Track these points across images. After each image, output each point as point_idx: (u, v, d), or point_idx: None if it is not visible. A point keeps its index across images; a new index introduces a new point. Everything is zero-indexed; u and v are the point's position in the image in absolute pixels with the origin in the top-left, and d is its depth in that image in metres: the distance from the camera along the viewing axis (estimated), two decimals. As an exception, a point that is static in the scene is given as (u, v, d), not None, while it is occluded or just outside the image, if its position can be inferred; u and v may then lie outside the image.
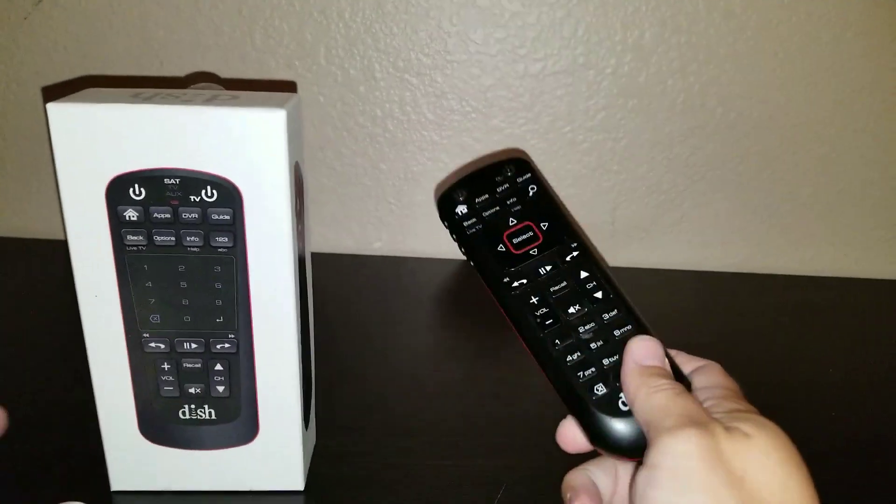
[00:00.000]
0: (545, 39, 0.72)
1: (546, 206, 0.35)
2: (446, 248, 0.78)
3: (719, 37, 0.71)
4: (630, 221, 0.78)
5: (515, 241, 0.35)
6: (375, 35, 0.71)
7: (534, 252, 0.34)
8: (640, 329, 0.32)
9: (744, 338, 0.65)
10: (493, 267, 0.34)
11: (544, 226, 0.35)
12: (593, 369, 0.31)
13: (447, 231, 0.36)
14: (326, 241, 0.79)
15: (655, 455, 0.27)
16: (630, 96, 0.73)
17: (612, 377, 0.31)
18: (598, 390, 0.31)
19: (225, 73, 0.73)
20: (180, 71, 0.73)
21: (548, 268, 0.34)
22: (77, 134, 0.36)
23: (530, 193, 0.36)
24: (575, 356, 0.32)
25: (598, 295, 0.33)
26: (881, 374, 0.60)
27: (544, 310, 0.33)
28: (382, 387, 0.55)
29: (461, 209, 0.35)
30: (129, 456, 0.42)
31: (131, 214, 0.37)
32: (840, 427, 0.52)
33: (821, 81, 0.72)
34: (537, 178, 0.36)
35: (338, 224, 0.79)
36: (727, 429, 0.27)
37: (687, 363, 0.33)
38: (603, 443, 0.31)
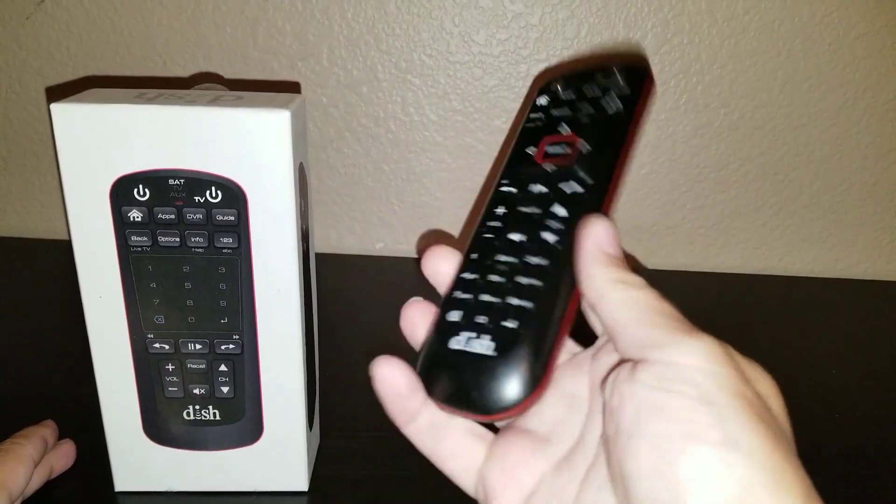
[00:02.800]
0: (548, 40, 0.72)
1: (609, 131, 0.29)
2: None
3: (722, 38, 0.71)
4: (632, 222, 0.78)
5: (550, 149, 0.30)
6: (378, 36, 0.71)
7: (550, 167, 0.29)
8: (552, 295, 0.27)
9: (746, 338, 0.64)
10: (507, 166, 0.31)
11: (585, 149, 0.29)
12: (469, 296, 0.28)
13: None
14: (329, 241, 0.79)
15: (668, 355, 0.22)
16: (633, 97, 0.73)
17: (491, 321, 0.27)
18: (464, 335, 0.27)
19: (228, 74, 0.73)
20: (183, 71, 0.73)
21: (542, 188, 0.29)
22: (81, 134, 0.36)
23: (610, 110, 0.30)
24: (471, 276, 0.28)
25: (548, 237, 0.28)
26: (884, 375, 0.60)
27: (496, 223, 0.29)
28: (385, 387, 0.55)
29: (541, 100, 0.32)
30: (133, 456, 0.42)
31: (135, 215, 0.37)
32: (843, 428, 0.52)
33: (823, 83, 0.72)
34: (632, 99, 0.30)
35: (340, 224, 0.79)
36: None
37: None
38: (449, 395, 0.26)
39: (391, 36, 0.71)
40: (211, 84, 0.53)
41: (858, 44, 0.71)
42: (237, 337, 0.39)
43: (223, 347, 0.40)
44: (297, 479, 0.43)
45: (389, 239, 0.79)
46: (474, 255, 0.29)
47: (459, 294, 0.28)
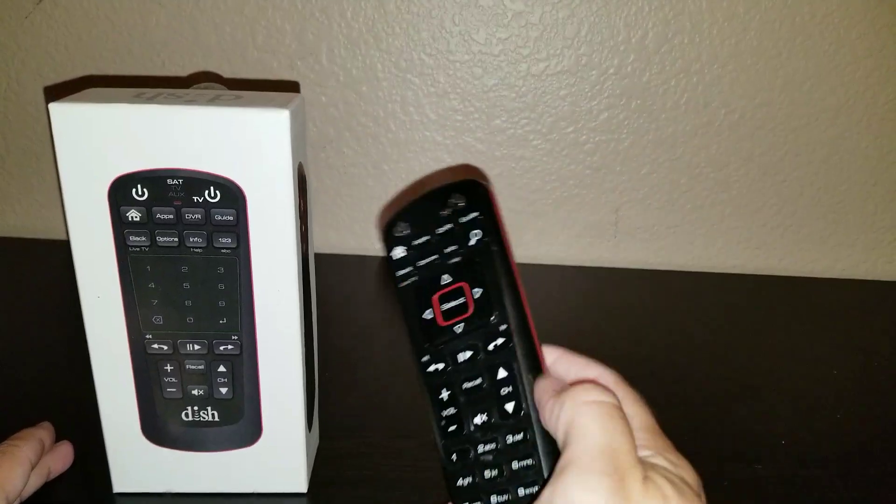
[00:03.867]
0: (548, 39, 0.71)
1: (486, 263, 0.28)
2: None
3: (722, 37, 0.71)
4: (633, 222, 0.78)
5: (445, 307, 0.29)
6: (377, 35, 0.71)
7: (459, 328, 0.28)
8: (543, 469, 0.27)
9: (746, 339, 0.65)
10: (415, 337, 0.29)
11: (477, 293, 0.28)
12: None
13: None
14: (328, 241, 0.79)
15: (554, 496, 0.24)
16: (633, 97, 0.73)
17: None
18: None
19: (227, 73, 0.72)
20: (182, 71, 0.72)
21: (467, 355, 0.28)
22: (80, 134, 0.35)
23: (472, 241, 0.29)
24: (466, 481, 0.28)
25: (509, 408, 0.27)
26: (884, 375, 0.60)
27: (451, 410, 0.28)
28: (385, 388, 0.55)
29: (398, 252, 0.30)
30: (132, 458, 0.42)
31: (134, 215, 0.37)
32: (843, 428, 0.52)
33: (823, 83, 0.72)
34: (484, 221, 0.29)
35: (340, 224, 0.79)
36: (644, 480, 0.24)
37: (574, 371, 0.30)
38: None
39: (391, 35, 0.71)
40: (210, 83, 0.53)
41: (858, 44, 0.71)
42: (236, 337, 0.39)
43: (222, 348, 0.39)
44: (297, 480, 0.43)
45: (389, 239, 0.79)
46: (454, 457, 0.28)
47: None
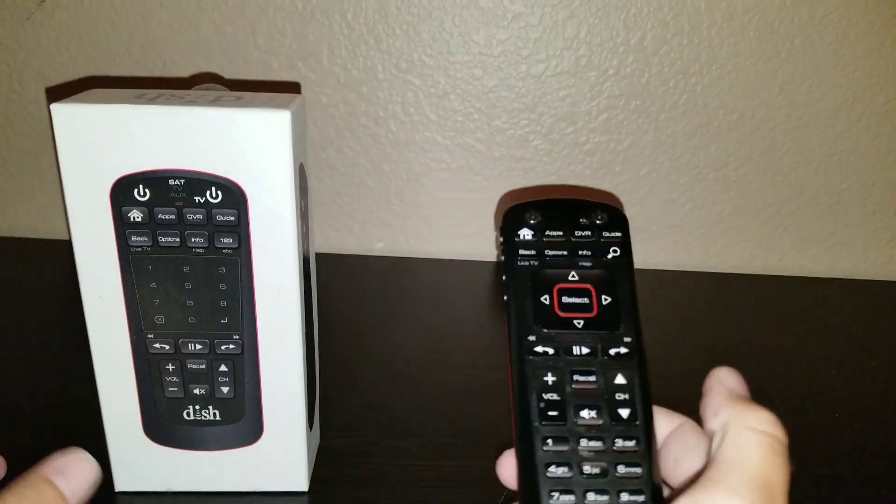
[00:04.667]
0: (547, 40, 0.72)
1: (618, 278, 0.29)
2: (448, 248, 0.78)
3: (721, 38, 0.71)
4: (633, 222, 0.78)
5: (565, 299, 0.29)
6: (378, 36, 0.71)
7: (579, 323, 0.29)
8: (651, 477, 0.26)
9: (747, 339, 0.65)
10: (524, 314, 0.29)
11: (606, 300, 0.29)
12: (572, 497, 0.26)
13: (498, 239, 0.32)
14: (329, 241, 0.79)
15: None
16: (632, 97, 0.73)
17: None
18: None
19: (228, 74, 0.73)
20: (183, 71, 0.73)
21: (584, 350, 0.29)
22: (81, 134, 0.36)
23: (610, 255, 0.30)
24: (559, 471, 0.27)
25: (624, 413, 0.28)
26: (884, 375, 0.60)
27: (554, 396, 0.28)
28: (385, 387, 0.55)
29: (525, 233, 0.30)
30: (133, 457, 0.42)
31: (136, 215, 0.37)
32: (843, 428, 0.52)
33: (823, 82, 0.72)
34: (625, 242, 0.30)
35: (340, 225, 0.79)
36: None
37: (663, 420, 0.29)
38: None
39: (391, 36, 0.72)
40: (211, 84, 0.53)
41: (858, 44, 0.71)
42: (237, 337, 0.39)
43: (223, 347, 0.40)
44: (298, 479, 0.43)
45: (389, 239, 0.79)
46: (550, 443, 0.28)
47: (559, 496, 0.27)
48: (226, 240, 0.37)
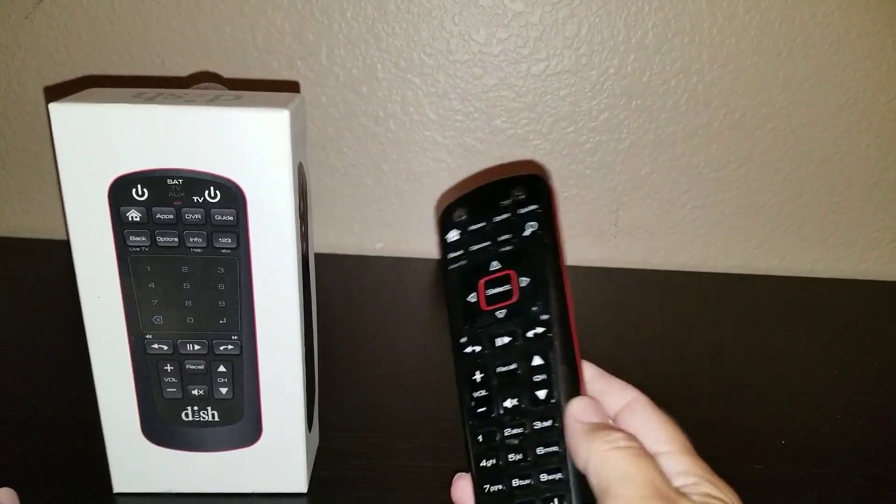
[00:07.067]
0: (548, 39, 0.71)
1: (536, 254, 0.29)
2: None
3: (722, 37, 0.71)
4: (633, 222, 0.78)
5: (490, 292, 0.29)
6: (378, 35, 0.71)
7: (501, 314, 0.29)
8: (567, 457, 0.27)
9: (746, 339, 0.65)
10: (456, 317, 0.30)
11: (524, 282, 0.29)
12: (500, 486, 0.27)
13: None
14: (328, 241, 0.79)
15: None
16: (633, 96, 0.73)
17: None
18: None
19: (227, 73, 0.72)
20: (182, 71, 0.73)
21: (505, 340, 0.29)
22: (80, 134, 0.35)
23: (526, 231, 0.29)
24: (489, 464, 0.28)
25: (540, 395, 0.28)
26: (884, 375, 0.60)
27: (482, 392, 0.29)
28: (385, 388, 0.55)
29: (452, 234, 0.31)
30: (132, 458, 0.42)
31: (134, 215, 0.37)
32: (843, 428, 0.52)
33: (824, 82, 0.72)
34: (541, 214, 0.29)
35: (340, 224, 0.79)
36: None
37: (611, 393, 0.30)
38: None
39: (391, 35, 0.71)
40: (210, 83, 0.53)
41: (858, 44, 0.71)
42: (236, 337, 0.39)
43: (222, 348, 0.39)
44: (297, 480, 0.43)
45: (389, 239, 0.79)
46: (480, 439, 0.29)
47: (490, 487, 0.28)
48: (224, 240, 0.37)
